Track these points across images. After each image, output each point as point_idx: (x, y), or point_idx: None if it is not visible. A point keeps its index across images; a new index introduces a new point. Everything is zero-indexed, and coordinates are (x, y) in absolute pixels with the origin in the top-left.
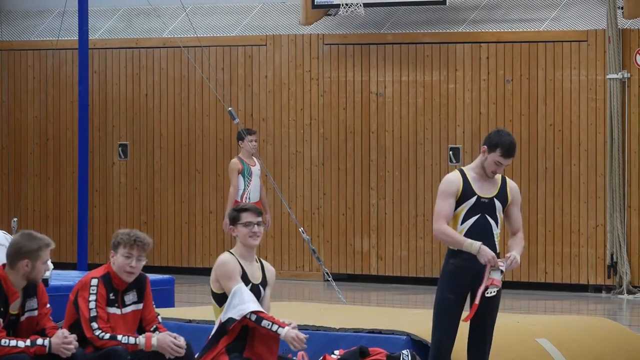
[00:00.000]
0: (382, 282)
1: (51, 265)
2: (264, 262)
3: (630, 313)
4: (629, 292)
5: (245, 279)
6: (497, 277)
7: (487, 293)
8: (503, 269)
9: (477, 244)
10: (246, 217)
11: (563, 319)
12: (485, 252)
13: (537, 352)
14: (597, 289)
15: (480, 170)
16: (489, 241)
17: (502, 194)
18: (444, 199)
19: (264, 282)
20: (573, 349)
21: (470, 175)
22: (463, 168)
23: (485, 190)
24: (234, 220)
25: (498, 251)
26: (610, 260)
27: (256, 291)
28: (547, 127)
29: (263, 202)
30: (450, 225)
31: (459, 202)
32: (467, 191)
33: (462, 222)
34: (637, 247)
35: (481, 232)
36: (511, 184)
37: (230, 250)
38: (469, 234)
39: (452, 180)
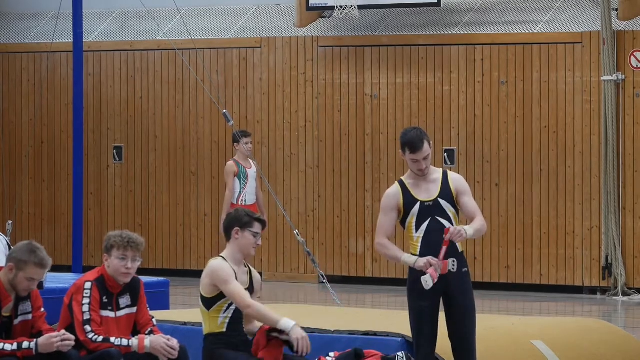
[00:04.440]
0: (376, 284)
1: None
2: (251, 268)
3: (625, 315)
4: (624, 294)
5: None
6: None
7: (423, 281)
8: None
9: (413, 259)
10: (258, 227)
11: (558, 321)
12: (420, 264)
13: (532, 353)
14: (592, 290)
15: (414, 175)
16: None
17: (445, 191)
18: (384, 214)
19: (250, 288)
20: (568, 351)
21: (408, 183)
22: (402, 178)
23: (426, 194)
24: (245, 225)
25: (461, 250)
26: (605, 262)
27: None
28: (542, 129)
29: (259, 205)
30: (406, 236)
31: (405, 213)
32: (408, 200)
33: (416, 231)
34: (632, 249)
35: (437, 235)
36: (453, 176)
37: (222, 255)
38: (426, 240)
39: (390, 194)
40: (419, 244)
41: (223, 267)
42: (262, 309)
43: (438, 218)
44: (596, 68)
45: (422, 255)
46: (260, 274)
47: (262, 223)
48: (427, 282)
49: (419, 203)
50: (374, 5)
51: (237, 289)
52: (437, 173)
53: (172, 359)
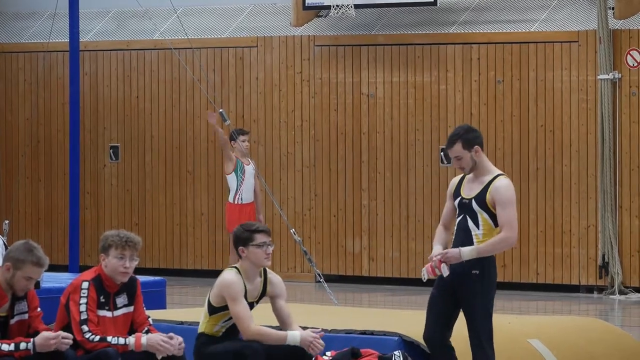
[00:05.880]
0: (373, 283)
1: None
2: (269, 274)
3: (621, 313)
4: (621, 293)
5: (244, 298)
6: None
7: (422, 274)
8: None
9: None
10: (260, 237)
11: (555, 320)
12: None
13: (529, 352)
14: (589, 289)
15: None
16: (468, 241)
17: (481, 195)
18: (446, 200)
19: (261, 297)
20: (565, 350)
21: (468, 177)
22: None
23: (469, 192)
24: (246, 241)
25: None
26: (601, 260)
27: (251, 308)
28: (538, 128)
29: (257, 203)
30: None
31: (454, 203)
32: (455, 192)
33: (456, 221)
34: (628, 248)
35: (462, 232)
36: (496, 184)
37: (236, 266)
38: (456, 232)
39: (450, 182)
40: (454, 236)
41: (234, 284)
42: (265, 333)
43: (467, 217)
44: (592, 67)
45: (453, 246)
46: None
47: (265, 232)
48: (423, 274)
49: (460, 198)
50: (370, 4)
51: (242, 312)
52: (489, 175)
53: (169, 354)
